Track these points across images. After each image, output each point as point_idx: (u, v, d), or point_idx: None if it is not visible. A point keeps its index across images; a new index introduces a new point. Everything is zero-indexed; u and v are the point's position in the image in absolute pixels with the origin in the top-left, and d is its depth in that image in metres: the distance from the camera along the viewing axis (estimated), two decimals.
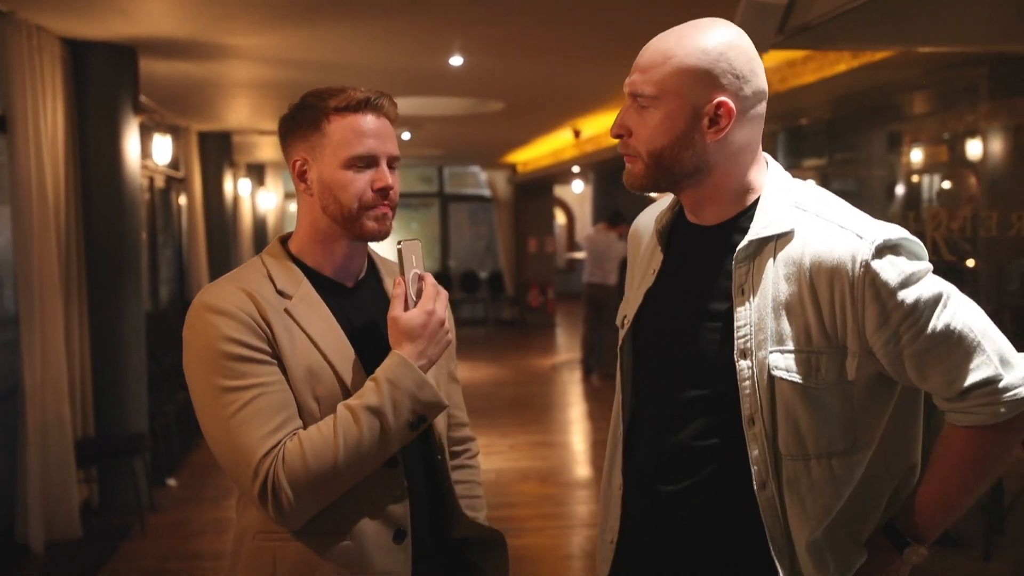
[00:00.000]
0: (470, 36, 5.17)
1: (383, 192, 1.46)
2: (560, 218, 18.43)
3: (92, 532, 4.66)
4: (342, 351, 1.45)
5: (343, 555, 1.40)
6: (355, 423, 1.35)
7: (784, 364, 1.31)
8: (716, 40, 1.32)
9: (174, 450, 5.95)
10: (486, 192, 15.10)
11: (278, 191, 13.62)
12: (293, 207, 14.51)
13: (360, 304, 1.53)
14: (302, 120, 1.47)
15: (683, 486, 1.41)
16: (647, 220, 1.58)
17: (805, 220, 1.34)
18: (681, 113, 1.32)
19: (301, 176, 1.49)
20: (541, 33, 5.07)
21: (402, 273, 1.44)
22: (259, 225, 12.82)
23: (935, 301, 1.28)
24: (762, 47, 3.06)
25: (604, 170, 10.64)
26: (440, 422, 1.54)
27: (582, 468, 5.94)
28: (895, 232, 1.30)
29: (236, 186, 10.64)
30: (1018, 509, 4.15)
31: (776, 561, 1.34)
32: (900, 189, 5.81)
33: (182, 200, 9.30)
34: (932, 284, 1.30)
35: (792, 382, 1.31)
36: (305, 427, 1.38)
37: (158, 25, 4.61)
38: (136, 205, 5.16)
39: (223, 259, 9.61)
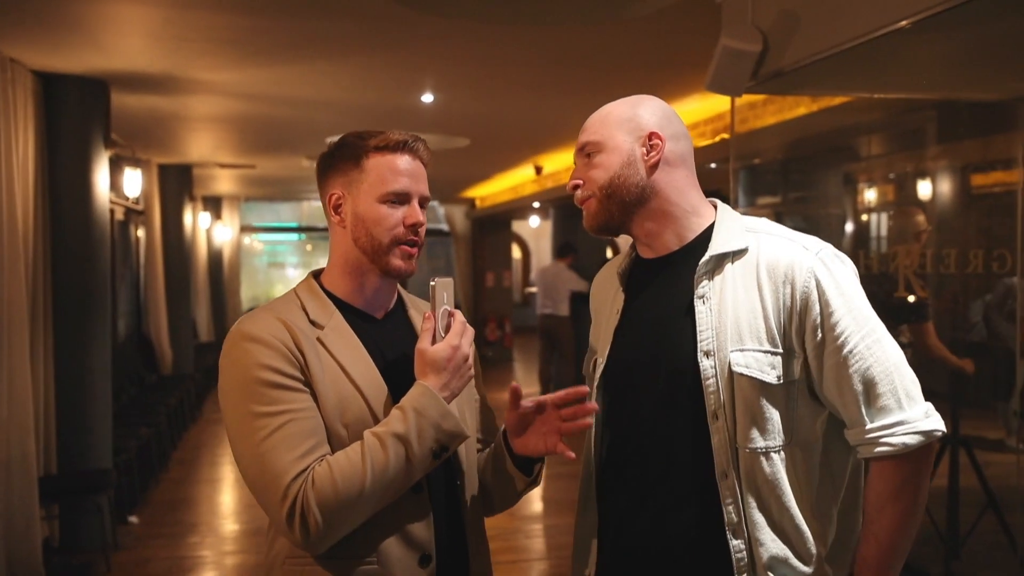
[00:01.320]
0: (443, 74, 5.27)
1: (414, 228, 1.53)
2: (516, 253, 18.55)
3: (54, 571, 4.55)
4: (371, 380, 1.50)
5: None
6: (382, 450, 1.40)
7: (744, 361, 1.45)
8: (645, 102, 1.61)
9: (136, 487, 5.85)
10: (444, 227, 15.17)
11: (234, 225, 13.53)
12: (248, 240, 14.46)
13: (388, 335, 1.58)
14: (341, 156, 1.54)
15: (659, 504, 1.50)
16: (603, 277, 1.75)
17: (757, 238, 1.53)
18: (622, 147, 1.56)
19: (336, 209, 1.55)
20: (511, 72, 5.20)
21: (433, 309, 1.49)
22: (215, 258, 12.71)
23: (864, 320, 1.45)
24: (736, 90, 3.22)
25: (565, 206, 10.80)
26: (463, 449, 1.59)
27: (532, 503, 5.96)
28: (833, 248, 1.52)
29: (196, 219, 10.56)
30: (975, 536, 4.30)
31: (731, 543, 1.44)
32: (850, 226, 6.04)
33: (140, 233, 9.21)
34: (863, 306, 1.46)
35: (751, 378, 1.45)
36: (333, 453, 1.42)
37: (133, 59, 4.62)
38: (105, 238, 5.13)
39: (181, 293, 9.51)
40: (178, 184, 9.37)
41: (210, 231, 12.33)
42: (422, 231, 1.55)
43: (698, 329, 1.49)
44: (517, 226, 16.76)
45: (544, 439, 1.54)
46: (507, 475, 1.60)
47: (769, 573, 1.44)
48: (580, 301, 9.35)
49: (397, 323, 1.62)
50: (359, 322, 1.55)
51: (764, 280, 1.48)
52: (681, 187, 1.57)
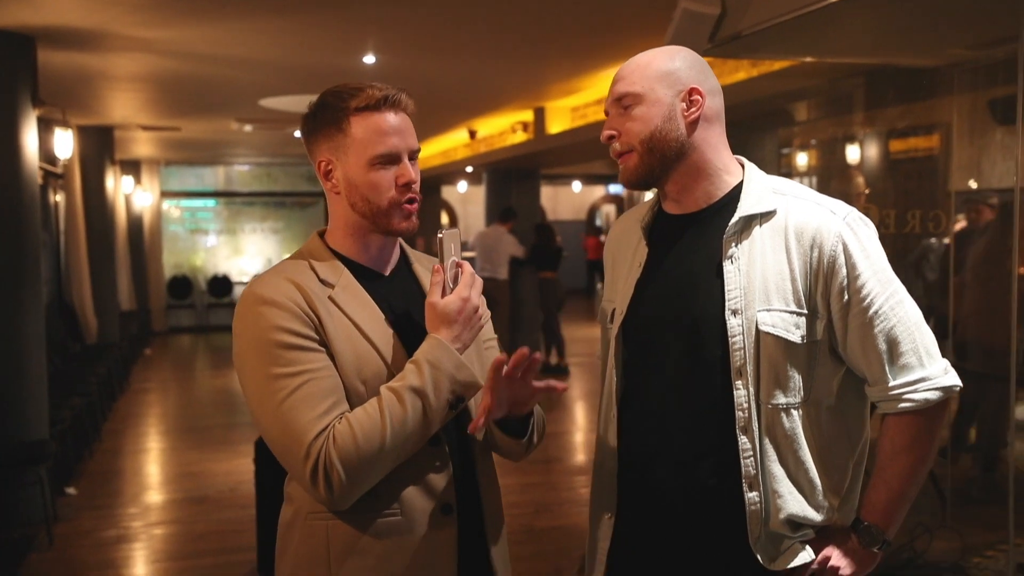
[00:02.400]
0: (384, 35, 5.19)
1: (408, 186, 1.51)
2: (443, 218, 18.48)
3: None
4: (384, 335, 1.50)
5: (394, 530, 1.46)
6: (400, 404, 1.41)
7: (770, 321, 1.50)
8: (682, 53, 1.59)
9: (71, 458, 5.69)
10: None
11: (154, 190, 13.11)
12: (167, 205, 14.02)
13: (396, 290, 1.58)
14: (323, 121, 1.50)
15: (678, 454, 1.55)
16: (622, 227, 1.75)
17: (785, 201, 1.55)
18: (663, 100, 1.54)
19: (327, 176, 1.52)
20: (453, 34, 5.15)
21: (441, 261, 1.49)
22: (135, 225, 12.32)
23: (887, 282, 1.50)
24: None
25: (498, 171, 10.79)
26: (472, 401, 1.61)
27: None
28: (858, 212, 1.55)
29: (118, 184, 10.20)
30: (954, 508, 4.53)
31: (746, 495, 1.49)
32: None
33: (58, 197, 8.85)
34: (887, 268, 1.52)
35: (777, 337, 1.49)
36: (352, 409, 1.43)
37: (63, 14, 4.42)
38: (34, 202, 4.93)
39: (104, 260, 9.21)
40: (98, 147, 9.02)
41: (129, 197, 11.93)
42: (416, 186, 1.53)
43: (726, 288, 1.52)
44: (445, 192, 16.68)
45: (525, 396, 1.51)
46: (504, 444, 1.61)
47: (784, 522, 1.50)
48: (518, 265, 9.41)
49: (403, 278, 1.62)
50: (366, 279, 1.55)
51: (792, 243, 1.51)
52: (716, 144, 1.58)
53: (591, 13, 4.72)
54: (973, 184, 6.73)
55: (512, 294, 9.50)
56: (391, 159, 1.49)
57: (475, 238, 9.90)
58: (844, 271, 1.49)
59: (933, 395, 1.49)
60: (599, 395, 1.73)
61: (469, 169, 11.74)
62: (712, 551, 1.55)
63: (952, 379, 1.51)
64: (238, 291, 14.33)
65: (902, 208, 4.69)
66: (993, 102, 6.31)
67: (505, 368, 1.44)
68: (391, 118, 1.50)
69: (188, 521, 4.92)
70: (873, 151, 5.40)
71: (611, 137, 1.58)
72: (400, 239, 1.63)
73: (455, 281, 1.50)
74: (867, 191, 4.31)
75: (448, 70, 6.22)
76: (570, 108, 7.91)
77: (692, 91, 1.54)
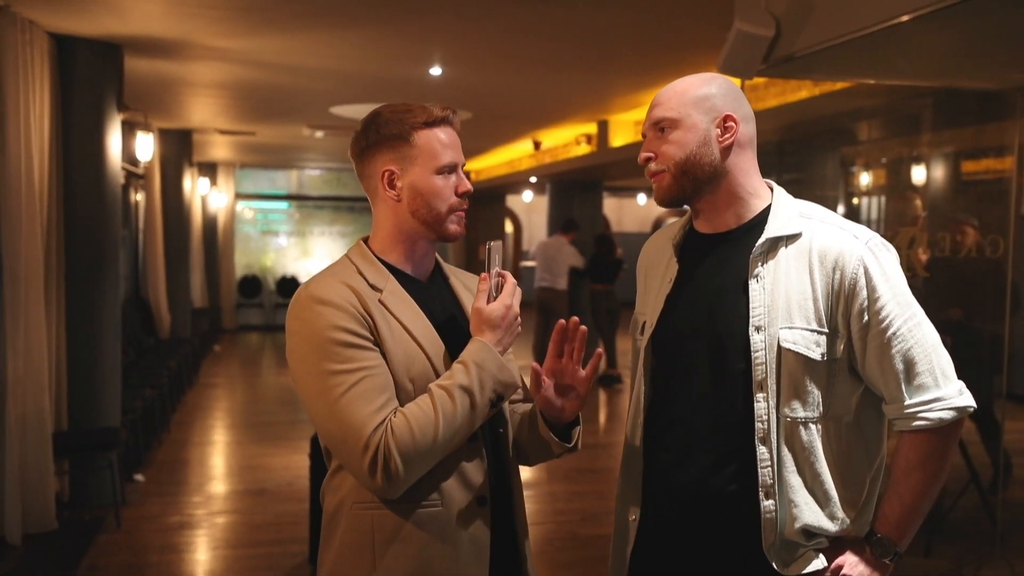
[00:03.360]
0: (451, 47, 5.35)
1: (465, 195, 1.65)
2: (508, 227, 18.65)
3: (66, 525, 4.67)
4: (431, 338, 1.62)
5: (435, 520, 1.57)
6: (451, 400, 1.52)
7: (792, 338, 1.57)
8: (717, 80, 1.67)
9: (140, 446, 5.96)
10: None
11: (229, 191, 13.55)
12: (240, 206, 14.46)
13: (434, 296, 1.70)
14: (389, 134, 1.63)
15: (701, 460, 1.62)
16: (655, 244, 1.85)
17: (811, 225, 1.63)
18: (699, 126, 1.63)
19: (390, 184, 1.64)
20: (518, 47, 5.28)
21: (487, 270, 1.61)
22: (209, 225, 12.74)
23: (906, 305, 1.57)
24: (748, 73, 3.33)
25: (561, 182, 10.89)
26: (506, 404, 1.72)
27: (532, 471, 6.07)
28: (880, 238, 1.61)
29: (195, 185, 10.59)
30: (956, 512, 4.48)
31: (762, 504, 1.56)
32: (842, 208, 6.17)
33: (139, 197, 9.24)
34: (906, 292, 1.59)
35: (797, 353, 1.56)
36: (401, 405, 1.54)
37: (149, 24, 4.67)
38: (116, 201, 5.20)
39: (180, 258, 9.58)
40: (178, 149, 9.41)
41: (205, 198, 12.36)
42: (468, 197, 1.67)
43: (751, 306, 1.59)
44: (510, 200, 16.85)
45: (576, 392, 1.65)
46: (545, 441, 1.71)
47: (799, 531, 1.57)
48: (577, 276, 9.48)
49: (440, 286, 1.74)
50: (409, 285, 1.66)
51: (815, 265, 1.58)
52: (747, 169, 1.66)
53: (653, 30, 4.79)
54: None
55: (571, 304, 9.57)
56: (452, 169, 1.63)
57: (536, 248, 10.00)
58: (865, 293, 1.55)
59: (947, 415, 1.55)
60: (628, 402, 1.81)
61: (533, 179, 11.86)
62: (729, 555, 1.61)
63: (966, 400, 1.56)
64: None
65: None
66: None
67: (555, 340, 1.63)
68: (449, 133, 1.65)
69: (247, 512, 5.12)
70: (939, 173, 5.35)
71: (648, 159, 1.67)
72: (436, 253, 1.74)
73: (498, 289, 1.62)
74: (923, 214, 4.29)
75: (512, 82, 6.35)
76: (633, 122, 7.97)
77: (727, 118, 1.63)
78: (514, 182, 12.42)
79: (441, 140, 1.63)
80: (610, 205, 17.04)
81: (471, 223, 16.21)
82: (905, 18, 2.72)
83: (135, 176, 8.58)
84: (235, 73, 6.00)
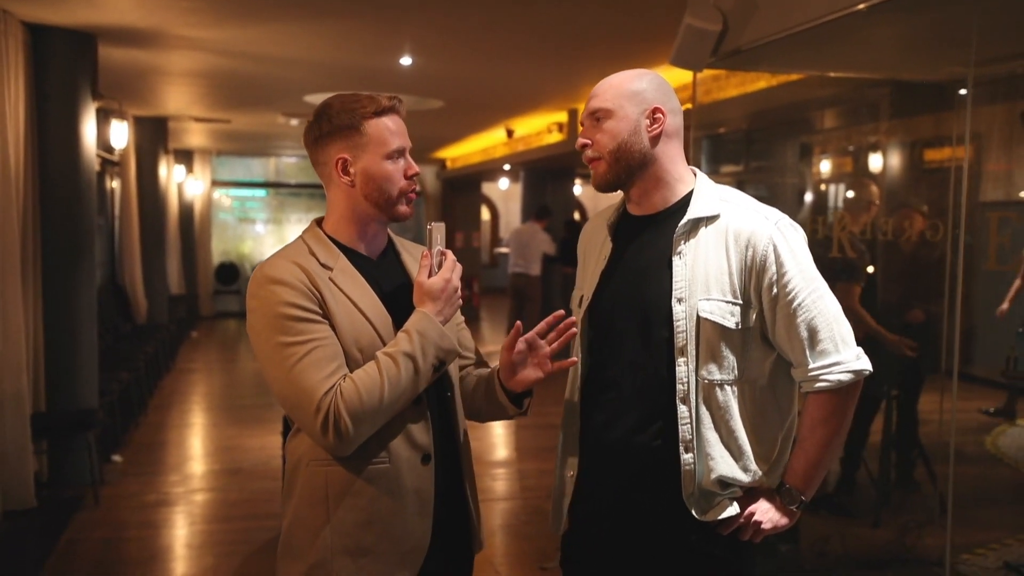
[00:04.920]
0: (421, 38, 5.47)
1: (413, 178, 1.80)
2: (484, 214, 18.76)
3: (45, 503, 4.79)
4: (377, 311, 1.77)
5: (382, 476, 1.73)
6: (395, 365, 1.68)
7: (709, 309, 1.74)
8: (649, 76, 1.83)
9: (118, 428, 6.08)
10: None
11: (206, 178, 13.59)
12: (217, 193, 14.50)
13: (385, 273, 1.85)
14: (340, 123, 1.76)
15: (630, 420, 1.79)
16: (593, 226, 2.02)
17: (728, 208, 1.80)
18: (630, 117, 1.79)
19: (344, 171, 1.78)
20: (487, 38, 5.41)
21: (429, 248, 1.77)
22: (186, 212, 12.79)
23: (811, 279, 1.75)
24: (698, 66, 3.50)
25: (534, 169, 11.04)
26: (451, 366, 1.87)
27: (503, 450, 6.28)
28: (788, 219, 1.80)
29: (170, 172, 10.64)
30: (901, 486, 4.70)
31: (682, 457, 1.73)
32: (809, 196, 6.36)
33: (114, 184, 9.30)
34: (811, 267, 1.76)
35: (714, 322, 1.74)
36: (351, 373, 1.69)
37: (123, 14, 4.77)
38: (91, 188, 5.30)
39: (156, 245, 9.64)
40: (153, 137, 9.47)
41: (181, 185, 12.40)
42: (417, 178, 1.83)
43: (674, 280, 1.76)
44: (486, 188, 16.97)
45: (539, 367, 1.84)
46: (500, 404, 1.88)
47: (715, 481, 1.75)
48: (551, 262, 9.65)
49: (391, 262, 1.90)
50: (359, 263, 1.82)
51: (731, 244, 1.74)
52: (674, 156, 1.82)
53: (621, 20, 4.94)
54: None
55: (544, 290, 9.74)
56: (400, 153, 1.78)
57: (510, 235, 10.16)
58: (773, 268, 1.73)
59: (846, 376, 1.73)
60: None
61: (507, 167, 12.01)
62: (655, 504, 1.78)
63: (863, 364, 1.74)
64: None
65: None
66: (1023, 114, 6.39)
67: (543, 323, 1.83)
68: (396, 120, 1.80)
69: (223, 489, 5.26)
70: (894, 161, 5.54)
71: (584, 145, 1.84)
72: (388, 229, 1.90)
73: (440, 266, 1.77)
74: (876, 201, 4.48)
75: (483, 72, 6.48)
76: None
77: (656, 110, 1.79)
78: (489, 169, 12.56)
79: (389, 128, 1.77)
80: (587, 192, 17.20)
81: (449, 211, 16.25)
82: (846, 12, 2.89)
83: (110, 163, 8.64)
84: (209, 62, 6.10)
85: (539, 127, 9.46)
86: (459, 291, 1.80)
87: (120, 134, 6.81)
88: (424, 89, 7.21)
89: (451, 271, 1.78)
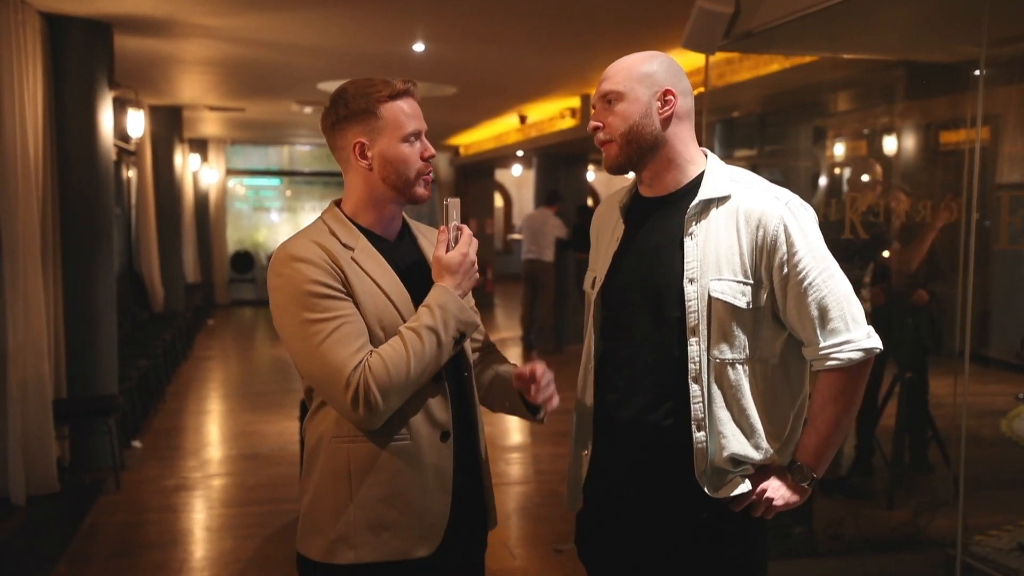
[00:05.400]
0: (434, 25, 5.49)
1: (429, 160, 1.83)
2: (498, 201, 18.78)
3: (67, 487, 4.88)
4: (397, 289, 1.81)
5: (403, 452, 1.76)
6: (419, 339, 1.72)
7: (721, 288, 1.76)
8: (660, 58, 1.84)
9: (137, 414, 6.16)
10: None
11: (220, 167, 13.66)
12: (232, 182, 14.57)
13: (402, 253, 1.89)
14: (356, 108, 1.79)
15: (642, 399, 1.81)
16: (606, 207, 2.04)
17: (739, 188, 1.81)
18: (641, 99, 1.80)
19: (362, 155, 1.81)
20: (500, 24, 5.42)
21: (445, 223, 1.81)
22: (201, 201, 12.87)
23: (821, 258, 1.76)
24: (710, 49, 3.50)
25: (547, 155, 11.03)
26: (467, 346, 1.91)
27: (517, 435, 6.32)
28: (799, 199, 1.80)
29: (186, 161, 10.71)
30: (914, 468, 4.71)
31: (694, 435, 1.75)
32: (823, 180, 6.35)
33: (130, 173, 9.37)
34: (821, 247, 1.77)
35: (725, 302, 1.75)
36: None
37: (138, 3, 4.81)
38: (109, 177, 5.36)
39: (172, 233, 9.72)
40: (168, 126, 9.52)
41: (197, 174, 12.48)
42: (433, 160, 1.86)
43: (686, 260, 1.77)
44: (499, 175, 16.98)
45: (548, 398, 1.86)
46: (516, 408, 1.94)
47: (727, 459, 1.77)
48: (563, 247, 9.65)
49: (407, 243, 1.93)
50: (378, 244, 1.85)
51: (742, 224, 1.76)
52: (685, 138, 1.83)
53: (633, 4, 4.94)
54: None
55: (557, 275, 9.76)
56: (416, 136, 1.81)
57: (523, 221, 10.16)
58: (784, 248, 1.74)
59: (856, 355, 1.74)
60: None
61: (520, 153, 12.01)
62: (668, 481, 1.81)
63: (873, 342, 1.76)
64: None
65: (938, 199, 4.81)
66: None
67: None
68: (411, 103, 1.82)
69: (241, 474, 5.33)
70: (909, 143, 5.52)
71: (596, 128, 1.85)
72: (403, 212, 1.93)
73: (456, 241, 1.81)
74: (880, 179, 4.48)
75: (495, 58, 6.49)
76: None
77: (666, 92, 1.80)
78: (502, 156, 12.56)
79: (404, 111, 1.80)
80: (601, 177, 17.18)
81: (462, 198, 16.40)
82: None
83: (127, 153, 8.71)
84: (223, 50, 6.14)
85: (552, 113, 9.46)
86: (476, 265, 1.83)
87: (137, 123, 6.87)
88: (437, 76, 7.23)
89: (468, 245, 1.81)
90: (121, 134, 7.42)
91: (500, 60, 6.58)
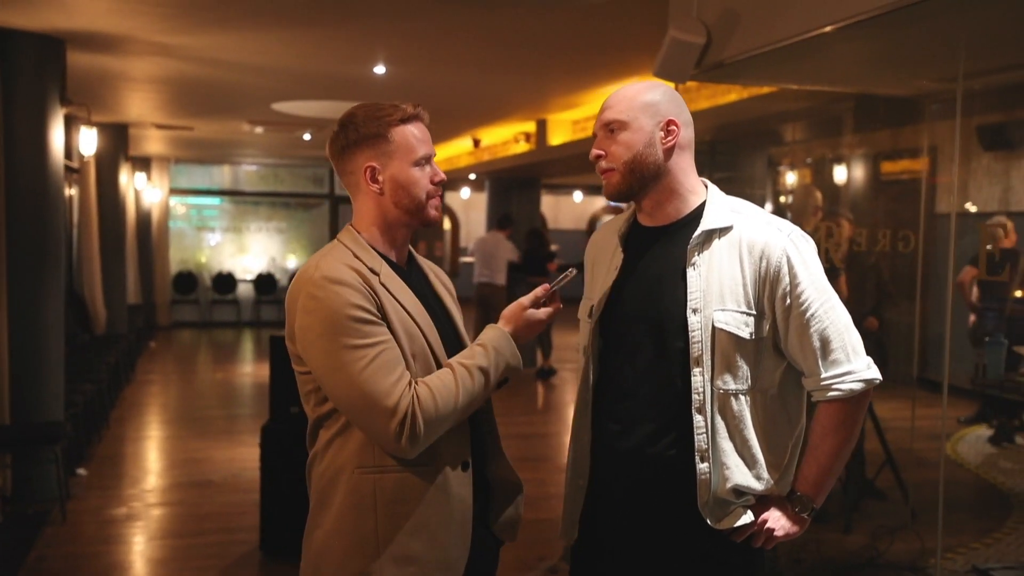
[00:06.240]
0: (394, 48, 5.47)
1: (439, 183, 1.82)
2: (446, 224, 18.73)
3: (10, 519, 4.68)
4: (423, 316, 1.78)
5: (430, 481, 1.73)
6: (470, 377, 1.72)
7: (724, 319, 1.76)
8: (661, 88, 1.85)
9: (82, 441, 5.95)
10: None
11: (163, 186, 13.38)
12: (174, 201, 14.27)
13: (415, 280, 1.87)
14: (367, 132, 1.77)
15: (644, 429, 1.81)
16: (602, 235, 2.04)
17: (741, 219, 1.82)
18: (645, 128, 1.80)
19: (373, 179, 1.78)
20: (460, 49, 5.43)
21: (552, 285, 1.85)
22: (143, 220, 12.57)
23: (822, 290, 1.78)
24: (681, 78, 3.55)
25: (499, 179, 11.06)
26: None
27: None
28: (800, 230, 1.83)
29: (132, 180, 10.46)
30: (872, 492, 4.80)
31: (698, 466, 1.75)
32: (768, 205, 6.49)
33: (72, 191, 9.11)
34: (822, 278, 1.80)
35: (729, 333, 1.76)
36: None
37: (94, 19, 4.69)
38: (60, 195, 5.20)
39: (116, 253, 9.47)
40: (114, 144, 9.30)
41: (139, 193, 12.19)
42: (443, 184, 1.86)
43: (689, 290, 1.78)
44: (448, 197, 16.96)
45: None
46: None
47: (730, 490, 1.77)
48: (514, 270, 9.66)
49: (416, 271, 1.91)
50: (396, 270, 1.82)
51: (745, 255, 1.77)
52: (686, 168, 1.84)
53: (591, 32, 4.99)
54: (971, 207, 7.00)
55: (509, 298, 9.75)
56: (427, 160, 1.80)
57: (475, 244, 10.15)
58: (787, 279, 1.75)
59: (857, 385, 1.76)
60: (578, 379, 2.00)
61: (472, 176, 12.02)
62: (669, 513, 1.80)
63: (873, 373, 1.78)
64: (242, 288, 14.61)
65: (881, 227, 4.96)
66: (981, 128, 6.58)
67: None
68: (421, 128, 1.82)
69: (193, 503, 5.17)
70: (859, 172, 5.67)
71: (599, 156, 1.85)
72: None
73: (545, 303, 1.87)
74: (821, 205, 4.62)
75: (454, 81, 6.50)
76: (571, 121, 8.19)
77: (670, 122, 1.80)
78: (453, 179, 12.56)
79: (415, 135, 1.79)
80: (547, 202, 17.28)
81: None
82: (827, 29, 2.96)
83: (70, 170, 8.46)
84: (178, 69, 6.02)
85: (506, 137, 9.50)
86: (540, 328, 1.87)
87: (89, 141, 6.68)
88: (395, 98, 7.12)
89: (550, 315, 1.86)
90: (66, 152, 7.21)
91: (458, 83, 6.59)
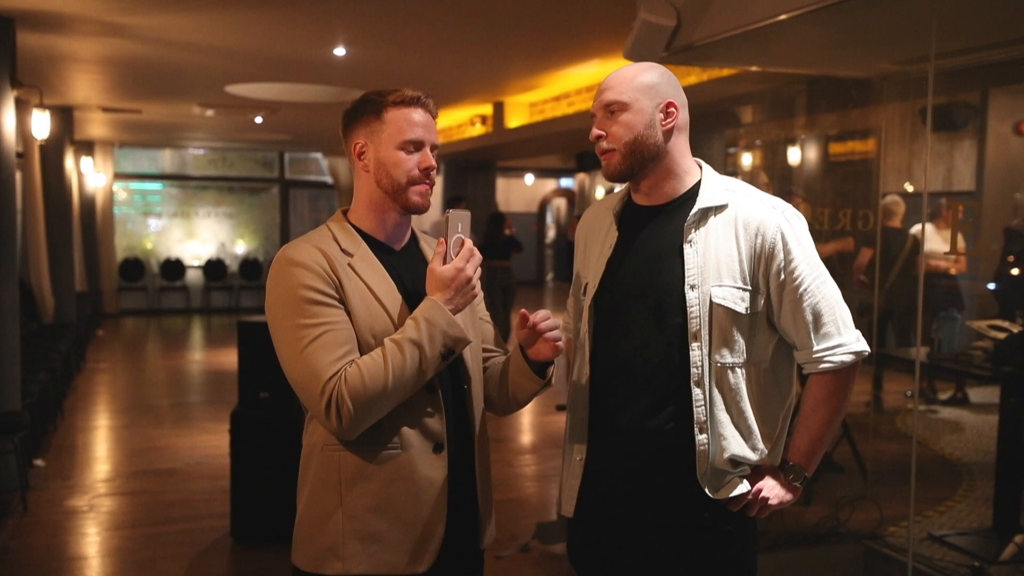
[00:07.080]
0: (354, 29, 5.42)
1: (427, 172, 1.81)
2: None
3: None
4: (393, 298, 1.79)
5: (394, 462, 1.74)
6: (400, 352, 1.69)
7: (721, 295, 1.81)
8: (659, 69, 1.87)
9: (38, 431, 5.82)
10: (328, 179, 15.11)
11: (107, 171, 13.06)
12: (117, 186, 13.94)
13: (405, 263, 1.87)
14: (364, 111, 1.79)
15: (642, 403, 1.85)
16: (593, 213, 2.06)
17: (735, 197, 1.87)
18: (646, 110, 1.82)
19: (360, 156, 1.80)
20: (416, 30, 5.40)
21: (446, 236, 1.78)
22: (87, 206, 12.27)
23: (815, 266, 1.83)
24: (651, 60, 3.57)
25: (456, 161, 11.04)
26: (470, 358, 1.89)
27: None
28: (793, 208, 1.88)
29: (77, 164, 10.19)
30: (831, 466, 4.95)
31: (696, 437, 1.80)
32: None
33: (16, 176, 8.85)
34: (814, 254, 1.85)
35: (726, 307, 1.81)
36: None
37: None
38: (11, 180, 5.06)
39: (63, 240, 9.23)
40: (60, 127, 9.04)
41: (83, 178, 11.89)
42: (433, 173, 1.84)
43: (687, 267, 1.81)
44: None
45: (549, 348, 1.85)
46: (523, 378, 1.90)
47: (728, 461, 1.82)
48: None
49: (412, 254, 1.91)
50: (381, 252, 1.83)
51: (740, 232, 1.81)
52: (683, 149, 1.87)
53: (551, 15, 5.00)
54: (909, 188, 7.21)
55: None
56: (416, 145, 1.79)
57: (431, 226, 10.12)
58: (781, 255, 1.81)
59: (847, 358, 1.83)
60: (570, 355, 2.03)
61: None
62: (668, 484, 1.85)
63: (862, 345, 1.85)
64: (191, 275, 14.36)
65: (837, 207, 5.09)
66: (923, 111, 6.77)
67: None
68: (420, 114, 1.80)
69: (158, 491, 5.11)
70: (812, 153, 5.80)
71: (599, 137, 1.87)
72: (412, 223, 1.90)
73: (456, 255, 1.78)
74: (767, 182, 4.73)
75: (413, 63, 6.46)
76: (528, 104, 8.20)
77: (669, 104, 1.82)
78: None
79: (410, 119, 1.78)
80: (499, 185, 17.26)
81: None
82: (794, 13, 3.02)
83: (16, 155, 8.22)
84: (129, 49, 5.88)
85: (462, 119, 9.48)
86: (473, 281, 1.79)
87: (41, 125, 6.50)
88: (353, 80, 7.14)
89: (465, 260, 1.77)
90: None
91: (417, 65, 6.55)
